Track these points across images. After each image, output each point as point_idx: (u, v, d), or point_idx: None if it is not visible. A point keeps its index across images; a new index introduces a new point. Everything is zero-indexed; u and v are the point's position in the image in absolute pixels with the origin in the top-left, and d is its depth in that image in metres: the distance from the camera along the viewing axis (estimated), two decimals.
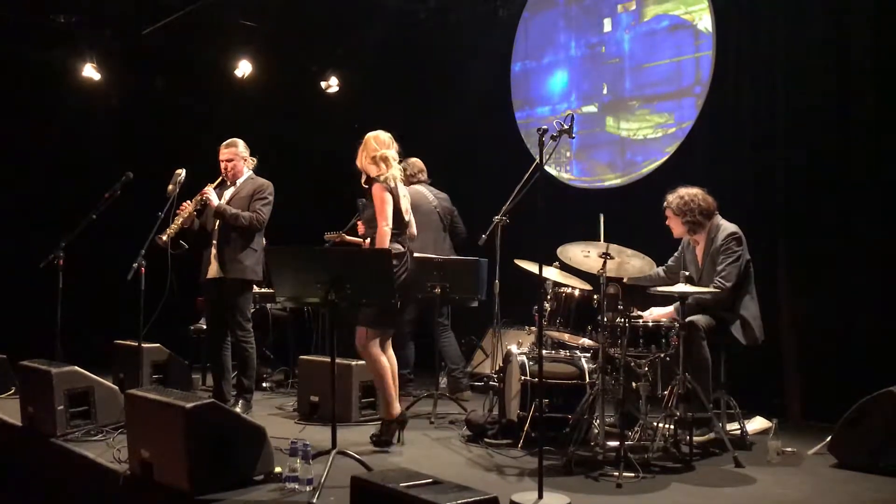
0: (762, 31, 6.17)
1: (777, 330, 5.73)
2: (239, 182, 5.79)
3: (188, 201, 5.57)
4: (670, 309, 4.87)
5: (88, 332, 7.21)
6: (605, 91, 7.32)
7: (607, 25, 7.32)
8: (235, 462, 3.87)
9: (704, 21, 6.55)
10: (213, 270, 5.64)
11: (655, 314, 4.90)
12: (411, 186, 6.51)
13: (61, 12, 8.07)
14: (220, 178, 5.76)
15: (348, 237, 6.56)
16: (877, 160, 5.51)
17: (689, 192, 5.02)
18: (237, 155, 5.77)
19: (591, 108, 7.42)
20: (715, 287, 4.78)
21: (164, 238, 5.38)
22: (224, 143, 5.81)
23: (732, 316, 4.88)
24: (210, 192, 5.61)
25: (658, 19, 6.90)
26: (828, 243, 5.69)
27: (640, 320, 4.68)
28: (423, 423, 5.51)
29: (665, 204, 5.11)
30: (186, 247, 5.59)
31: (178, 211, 5.50)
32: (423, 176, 6.76)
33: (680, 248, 5.27)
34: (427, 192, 6.54)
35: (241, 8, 8.34)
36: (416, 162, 6.77)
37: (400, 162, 6.21)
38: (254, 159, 5.89)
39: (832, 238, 5.67)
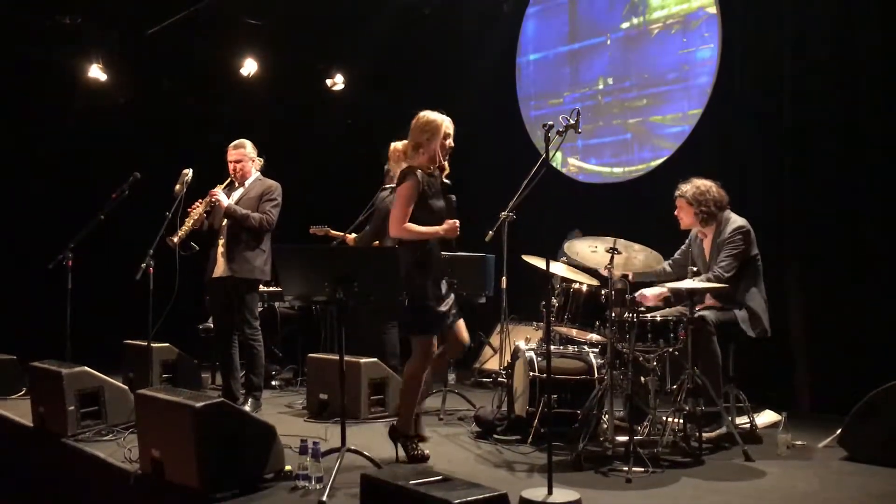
0: (768, 22, 6.14)
1: (786, 323, 5.72)
2: (247, 183, 5.81)
3: (198, 202, 5.60)
4: (663, 289, 4.85)
5: (98, 332, 7.23)
6: (611, 83, 7.31)
7: (614, 17, 7.29)
8: (246, 461, 3.88)
9: (711, 12, 6.53)
10: (220, 269, 5.66)
11: (648, 295, 4.86)
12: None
13: (66, 13, 8.09)
14: (229, 179, 5.78)
15: (333, 232, 6.60)
16: (886, 150, 5.47)
17: (704, 184, 5.00)
18: (246, 156, 5.79)
19: (598, 102, 7.41)
20: (712, 277, 4.76)
21: (175, 240, 5.40)
22: (232, 143, 5.83)
23: (740, 309, 4.87)
24: (220, 193, 5.63)
25: (665, 11, 6.88)
26: (836, 235, 5.67)
27: (644, 308, 4.68)
28: (432, 420, 5.51)
29: (678, 193, 5.08)
30: (197, 248, 5.62)
31: (188, 211, 5.52)
32: None
33: (687, 241, 5.26)
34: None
35: (246, 7, 8.35)
36: None
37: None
38: (261, 160, 5.91)
39: (841, 230, 5.65)
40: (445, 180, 4.48)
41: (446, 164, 4.47)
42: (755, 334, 4.85)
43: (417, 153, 4.40)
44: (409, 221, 4.30)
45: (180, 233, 5.43)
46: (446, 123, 4.44)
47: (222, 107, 9.02)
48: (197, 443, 3.72)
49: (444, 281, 4.43)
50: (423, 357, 4.40)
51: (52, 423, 4.99)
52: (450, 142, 4.45)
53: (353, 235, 6.61)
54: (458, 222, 4.36)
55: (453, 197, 4.54)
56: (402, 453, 4.43)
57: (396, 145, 4.57)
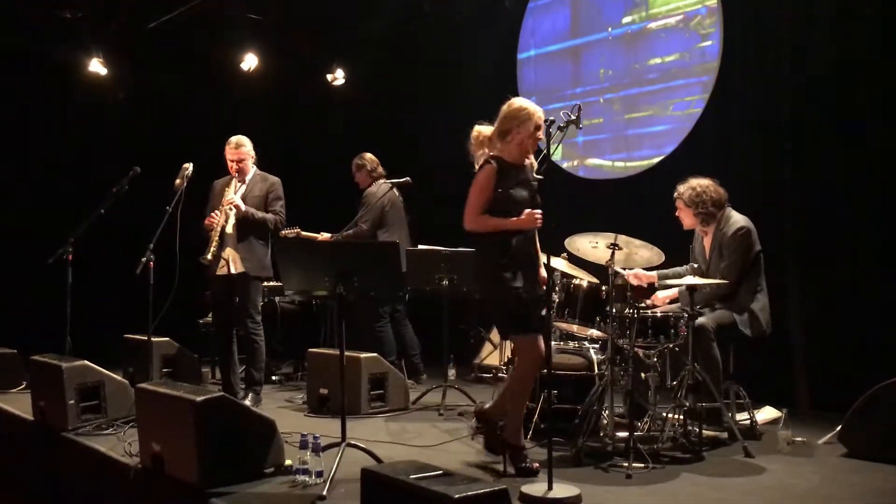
0: (770, 19, 6.12)
1: (786, 319, 5.71)
2: (248, 179, 5.84)
3: (215, 212, 5.62)
4: (673, 292, 4.87)
5: (98, 326, 7.23)
6: (613, 79, 7.29)
7: (615, 12, 7.28)
8: (246, 455, 3.88)
9: (713, 8, 6.52)
10: (227, 266, 5.68)
11: (660, 297, 4.90)
12: (382, 182, 6.55)
13: (66, 7, 8.08)
14: (232, 178, 5.80)
15: (304, 233, 6.59)
16: (887, 149, 5.47)
17: (700, 184, 4.98)
18: (247, 155, 5.84)
19: (599, 97, 7.40)
20: (716, 283, 4.78)
21: (209, 257, 5.50)
22: (232, 142, 5.84)
23: (739, 309, 4.86)
24: (237, 199, 5.67)
25: (667, 6, 6.87)
26: (837, 234, 5.66)
27: (650, 311, 4.69)
28: (432, 415, 5.52)
29: (676, 195, 5.08)
30: (226, 260, 5.67)
31: (208, 224, 5.59)
32: (381, 170, 6.79)
33: (693, 241, 5.26)
34: (394, 188, 6.55)
35: (247, 1, 8.34)
36: (372, 157, 6.80)
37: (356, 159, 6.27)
38: (253, 155, 5.93)
39: (841, 228, 5.64)
40: (538, 175, 4.19)
41: (532, 158, 4.24)
42: (751, 334, 4.85)
43: (503, 141, 4.11)
44: (489, 212, 4.06)
45: (212, 248, 5.52)
46: (539, 114, 4.11)
47: (222, 101, 9.01)
48: (197, 437, 3.72)
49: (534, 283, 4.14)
50: (531, 357, 4.05)
51: (53, 417, 4.99)
52: (540, 135, 4.09)
53: (327, 235, 6.62)
54: (539, 212, 4.05)
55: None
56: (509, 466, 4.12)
57: (481, 129, 4.24)
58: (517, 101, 4.17)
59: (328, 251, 4.38)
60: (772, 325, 4.94)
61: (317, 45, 9.02)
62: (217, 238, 5.58)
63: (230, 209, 5.65)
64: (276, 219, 5.76)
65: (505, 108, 4.16)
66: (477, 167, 4.22)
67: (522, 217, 4.05)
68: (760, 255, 4.95)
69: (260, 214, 5.70)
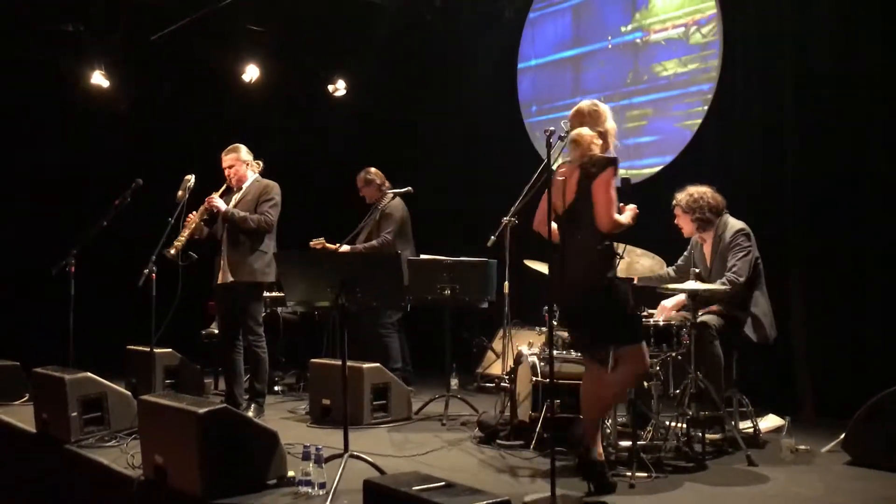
0: (770, 27, 6.14)
1: (789, 327, 5.71)
2: (244, 186, 5.82)
3: (194, 212, 5.61)
4: (680, 297, 4.87)
5: (101, 338, 7.24)
6: (613, 89, 7.30)
7: (616, 22, 7.30)
8: (248, 466, 3.88)
9: (712, 17, 6.53)
10: (224, 276, 5.68)
11: (666, 306, 4.90)
12: (392, 194, 6.55)
13: (69, 20, 8.11)
14: (225, 184, 5.79)
15: (328, 245, 6.60)
16: (888, 155, 5.47)
17: (698, 190, 5.03)
18: (238, 160, 5.80)
19: None
20: (727, 282, 4.78)
21: (173, 251, 5.42)
22: (225, 149, 5.85)
23: (744, 314, 4.87)
24: (216, 199, 5.64)
25: (667, 15, 6.89)
26: (839, 240, 5.66)
27: (652, 319, 4.69)
28: (435, 425, 5.52)
29: (674, 202, 5.11)
30: (196, 257, 5.64)
31: (184, 223, 5.54)
32: (388, 182, 6.78)
33: (689, 247, 5.26)
34: (397, 197, 6.54)
35: (249, 13, 8.37)
36: (378, 171, 6.79)
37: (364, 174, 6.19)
38: (258, 163, 5.92)
39: (843, 234, 5.64)
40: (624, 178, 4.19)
41: None
42: (756, 339, 4.85)
43: (599, 142, 4.03)
44: None
45: (177, 244, 5.44)
46: None
47: (224, 112, 9.03)
48: (199, 449, 3.73)
49: None
50: (644, 365, 4.04)
51: (55, 429, 4.99)
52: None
53: (346, 248, 6.61)
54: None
55: None
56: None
57: (587, 132, 4.05)
58: (600, 104, 4.13)
59: (330, 262, 4.37)
60: (776, 330, 4.94)
61: (319, 55, 9.05)
62: (186, 235, 5.50)
63: (208, 207, 5.60)
64: (259, 219, 5.62)
65: (591, 109, 4.10)
66: (578, 171, 4.02)
67: (633, 214, 4.00)
68: (759, 261, 4.96)
69: (241, 214, 5.60)
